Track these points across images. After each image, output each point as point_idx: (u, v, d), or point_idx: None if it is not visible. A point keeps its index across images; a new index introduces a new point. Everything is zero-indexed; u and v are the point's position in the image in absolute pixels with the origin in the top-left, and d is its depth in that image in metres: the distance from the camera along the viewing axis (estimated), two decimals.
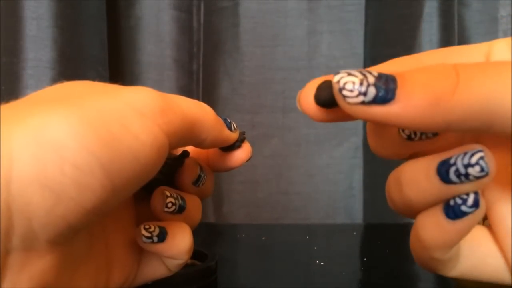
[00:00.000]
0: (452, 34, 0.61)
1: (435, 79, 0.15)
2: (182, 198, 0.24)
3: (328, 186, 0.66)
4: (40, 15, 0.54)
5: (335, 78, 0.16)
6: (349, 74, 0.16)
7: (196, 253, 0.36)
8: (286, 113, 0.66)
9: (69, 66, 0.56)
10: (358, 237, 0.54)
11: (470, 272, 0.19)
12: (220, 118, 0.24)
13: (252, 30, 0.66)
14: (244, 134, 0.26)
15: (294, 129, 0.66)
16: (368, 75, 0.15)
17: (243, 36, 0.66)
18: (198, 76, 0.68)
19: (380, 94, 0.15)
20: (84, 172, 0.16)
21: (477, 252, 0.19)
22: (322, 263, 0.40)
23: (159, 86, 0.63)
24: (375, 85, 0.15)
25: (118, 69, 0.63)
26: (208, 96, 0.67)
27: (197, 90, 0.68)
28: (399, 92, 0.15)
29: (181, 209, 0.24)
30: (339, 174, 0.66)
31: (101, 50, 0.60)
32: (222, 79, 0.67)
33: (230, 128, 0.25)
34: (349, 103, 0.16)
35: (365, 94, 0.15)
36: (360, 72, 0.16)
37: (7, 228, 0.15)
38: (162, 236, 0.22)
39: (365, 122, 0.68)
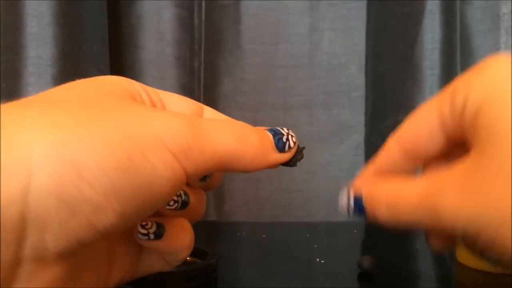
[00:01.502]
0: (454, 31, 0.61)
1: (377, 209, 0.22)
2: (186, 194, 0.24)
3: (329, 184, 0.66)
4: (40, 12, 0.54)
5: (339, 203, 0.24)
6: (342, 199, 0.24)
7: (197, 251, 0.36)
8: (288, 110, 0.66)
9: (70, 64, 0.56)
10: (359, 235, 0.54)
11: None
12: (269, 142, 0.22)
13: (253, 27, 0.66)
14: (303, 150, 0.23)
15: (295, 127, 0.66)
16: (351, 203, 0.24)
17: (245, 34, 0.66)
18: (200, 74, 0.68)
19: (359, 215, 0.24)
20: (98, 193, 0.16)
21: None
22: (323, 261, 0.40)
23: (160, 83, 0.63)
24: (355, 211, 0.24)
25: (119, 66, 0.63)
26: (210, 93, 0.67)
27: (198, 87, 0.68)
28: (367, 214, 0.23)
29: (184, 205, 0.24)
30: (340, 172, 0.66)
31: (102, 47, 0.60)
32: (223, 76, 0.67)
33: (282, 149, 0.22)
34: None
35: (351, 214, 0.24)
36: (347, 199, 0.24)
37: (20, 237, 0.16)
38: (159, 233, 0.22)
39: (367, 120, 0.68)
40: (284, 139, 0.22)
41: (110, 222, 0.17)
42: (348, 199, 0.24)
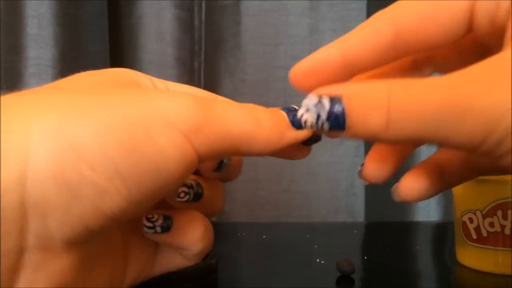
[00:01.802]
0: None
1: (369, 117, 0.16)
2: (199, 185, 0.23)
3: (329, 185, 0.66)
4: (41, 13, 0.54)
5: (299, 114, 0.18)
6: (307, 110, 0.18)
7: None
8: None
9: (70, 65, 0.56)
10: (359, 235, 0.54)
11: None
12: (284, 120, 0.20)
13: (253, 28, 0.66)
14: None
15: None
16: (322, 113, 0.17)
17: (245, 34, 0.66)
18: (200, 75, 0.68)
19: (333, 128, 0.17)
20: (101, 176, 0.16)
21: None
22: (323, 262, 0.40)
23: None
24: (328, 121, 0.17)
25: (119, 67, 0.63)
26: None
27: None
28: (348, 127, 0.17)
29: (197, 197, 0.23)
30: (340, 173, 0.66)
31: (102, 48, 0.60)
32: (223, 77, 0.67)
33: (299, 126, 0.20)
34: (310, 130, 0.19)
35: (322, 128, 0.17)
36: (315, 107, 0.17)
37: (21, 225, 0.15)
38: (166, 226, 0.21)
39: None
40: (298, 116, 0.19)
41: (117, 206, 0.16)
42: (319, 101, 0.17)
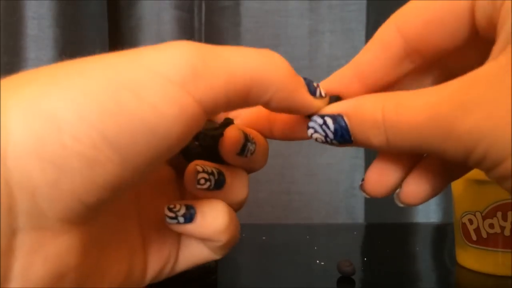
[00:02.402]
0: None
1: (370, 135, 0.18)
2: (220, 172, 0.21)
3: (329, 186, 0.66)
4: (41, 14, 0.55)
5: (308, 133, 0.20)
6: (315, 132, 0.19)
7: None
8: None
9: None
10: (359, 237, 0.54)
11: None
12: (299, 77, 0.19)
13: (253, 29, 0.66)
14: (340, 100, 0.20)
15: None
16: (328, 132, 0.19)
17: (245, 36, 0.66)
18: None
19: (342, 143, 0.19)
20: (86, 145, 0.15)
21: None
22: (323, 263, 0.40)
23: None
24: (335, 139, 0.19)
25: None
26: None
27: None
28: (353, 140, 0.19)
29: (218, 185, 0.21)
30: (340, 174, 0.66)
31: (102, 50, 0.60)
32: None
33: (313, 93, 0.19)
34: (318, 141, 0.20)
35: (332, 143, 0.19)
36: (321, 127, 0.19)
37: (9, 205, 0.14)
38: (190, 216, 0.20)
39: None
40: (315, 85, 0.20)
41: (110, 174, 0.15)
42: (324, 122, 0.19)
